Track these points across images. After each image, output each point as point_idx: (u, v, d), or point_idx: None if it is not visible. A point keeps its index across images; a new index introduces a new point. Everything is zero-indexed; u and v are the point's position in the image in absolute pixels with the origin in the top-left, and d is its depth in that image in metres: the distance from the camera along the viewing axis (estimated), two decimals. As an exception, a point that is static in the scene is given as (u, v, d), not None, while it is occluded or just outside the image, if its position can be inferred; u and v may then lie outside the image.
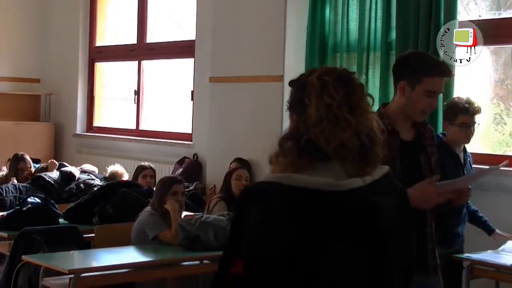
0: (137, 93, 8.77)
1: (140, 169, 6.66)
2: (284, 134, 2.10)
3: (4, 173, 7.15)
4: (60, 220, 5.68)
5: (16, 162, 7.08)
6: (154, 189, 5.65)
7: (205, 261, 4.97)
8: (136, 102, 8.80)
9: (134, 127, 8.78)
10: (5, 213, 5.57)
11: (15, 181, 6.70)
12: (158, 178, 6.08)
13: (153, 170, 6.69)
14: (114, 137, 8.87)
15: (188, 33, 8.08)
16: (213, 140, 7.24)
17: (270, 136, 6.69)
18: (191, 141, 7.78)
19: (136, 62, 8.87)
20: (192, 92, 7.85)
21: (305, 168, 2.02)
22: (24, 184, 6.57)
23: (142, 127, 8.71)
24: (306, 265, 1.97)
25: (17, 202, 5.87)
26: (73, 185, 6.74)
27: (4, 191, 6.25)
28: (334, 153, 2.03)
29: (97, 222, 5.58)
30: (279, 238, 1.96)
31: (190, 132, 7.85)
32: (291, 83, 2.20)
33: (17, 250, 4.89)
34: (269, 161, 2.11)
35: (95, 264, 4.77)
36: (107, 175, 6.94)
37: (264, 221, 1.98)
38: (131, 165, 7.05)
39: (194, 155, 7.64)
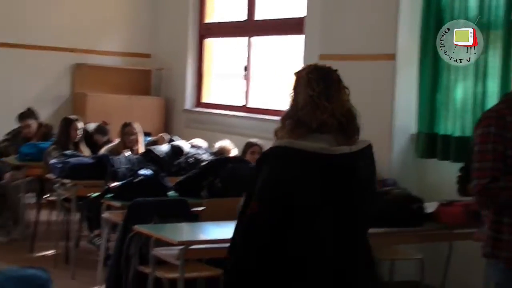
0: (246, 69, 8.83)
1: (248, 146, 6.72)
2: (284, 114, 2.93)
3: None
4: (169, 192, 5.81)
5: (124, 127, 7.27)
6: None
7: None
8: (245, 78, 8.86)
9: (243, 104, 8.85)
10: (118, 183, 5.74)
11: (127, 153, 6.89)
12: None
13: (261, 147, 6.73)
14: (222, 113, 8.97)
15: (298, 9, 8.05)
16: (322, 118, 7.20)
17: (381, 116, 6.64)
18: (299, 118, 7.76)
19: (245, 39, 8.92)
20: (302, 69, 7.82)
21: (301, 138, 2.82)
22: (136, 157, 6.75)
23: (251, 104, 8.77)
24: (299, 209, 2.76)
25: (129, 174, 6.03)
26: (182, 159, 6.86)
27: (116, 163, 6.44)
28: (317, 129, 2.84)
29: (205, 196, 5.67)
30: (282, 186, 2.76)
31: (299, 109, 7.82)
32: (294, 73, 3.00)
33: (129, 220, 5.03)
34: (274, 134, 2.95)
35: (203, 237, 4.85)
36: (215, 150, 7.03)
37: (272, 173, 2.77)
38: (239, 141, 7.11)
39: (302, 133, 7.63)
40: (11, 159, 7.67)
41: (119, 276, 4.94)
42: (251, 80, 8.83)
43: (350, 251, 2.90)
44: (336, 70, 3.01)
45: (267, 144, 7.02)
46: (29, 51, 9.35)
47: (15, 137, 8.13)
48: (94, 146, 7.71)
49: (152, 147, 7.00)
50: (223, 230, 4.92)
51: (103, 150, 7.27)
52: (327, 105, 2.84)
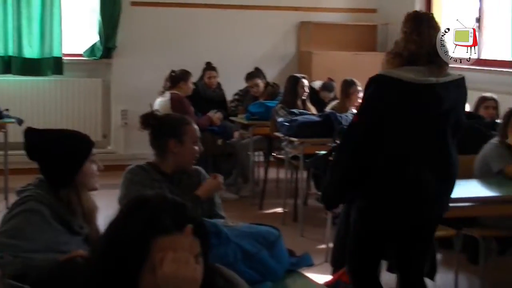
0: (478, 20, 8.41)
1: (482, 100, 6.41)
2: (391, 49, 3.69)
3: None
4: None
5: (349, 87, 7.19)
6: (498, 121, 5.40)
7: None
8: (477, 29, 8.44)
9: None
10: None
11: (354, 110, 6.83)
12: (501, 110, 5.81)
13: (496, 101, 6.39)
14: (453, 66, 8.61)
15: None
16: None
17: None
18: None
19: (478, -12, 8.49)
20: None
21: (397, 68, 3.53)
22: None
23: (483, 56, 8.35)
24: (389, 121, 3.51)
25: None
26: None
27: (344, 120, 6.41)
28: (410, 61, 3.51)
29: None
30: (377, 108, 3.52)
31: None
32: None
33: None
34: (382, 64, 3.76)
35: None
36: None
37: (372, 95, 3.55)
38: (472, 96, 6.79)
39: (540, 85, 7.17)
40: (240, 118, 7.91)
41: (348, 235, 4.91)
42: (483, 31, 8.40)
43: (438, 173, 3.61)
44: (431, 14, 3.76)
45: (501, 98, 6.69)
46: (255, 11, 9.53)
47: (243, 96, 8.37)
48: (320, 104, 7.74)
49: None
50: (457, 189, 4.75)
51: (328, 107, 7.27)
52: (416, 38, 3.52)
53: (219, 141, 7.94)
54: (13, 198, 3.10)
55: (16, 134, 8.37)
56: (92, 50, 9.07)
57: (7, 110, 7.56)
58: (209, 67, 8.40)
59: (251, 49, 9.46)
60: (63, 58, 8.86)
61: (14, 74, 8.72)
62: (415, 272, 3.82)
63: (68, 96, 8.97)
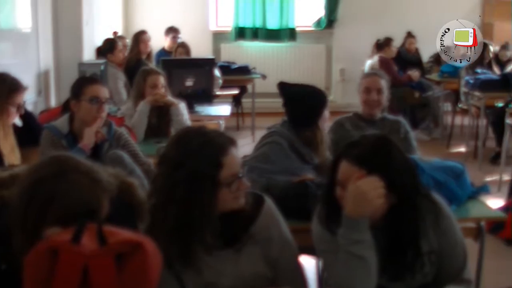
0: None
1: None
2: None
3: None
4: None
5: None
6: None
7: None
8: None
9: None
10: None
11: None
12: None
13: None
14: None
15: None
16: None
17: None
18: None
19: None
20: None
21: None
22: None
23: None
24: None
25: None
26: None
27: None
28: None
29: None
30: None
31: None
32: None
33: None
34: None
35: None
36: None
37: None
38: None
39: None
40: (434, 76, 7.75)
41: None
42: None
43: None
44: None
45: None
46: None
47: (437, 60, 8.10)
48: (500, 64, 7.36)
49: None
50: None
51: (509, 69, 6.85)
52: None
53: (416, 94, 7.77)
54: (258, 134, 3.26)
55: (261, 85, 8.77)
56: (318, 22, 9.19)
57: (254, 68, 7.92)
58: (409, 35, 8.19)
59: (443, 20, 9.00)
60: (296, 28, 9.06)
61: (259, 40, 9.08)
62: None
63: (300, 58, 9.19)
